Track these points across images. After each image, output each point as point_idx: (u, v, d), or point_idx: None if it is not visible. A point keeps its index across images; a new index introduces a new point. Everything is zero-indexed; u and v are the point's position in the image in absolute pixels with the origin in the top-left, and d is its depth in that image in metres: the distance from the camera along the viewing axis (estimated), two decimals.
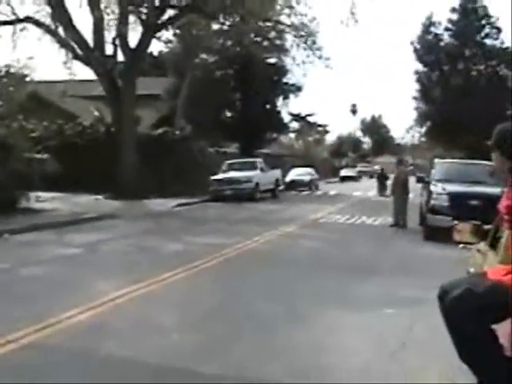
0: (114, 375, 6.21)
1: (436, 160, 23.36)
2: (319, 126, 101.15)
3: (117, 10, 33.77)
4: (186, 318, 8.59)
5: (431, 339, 7.36)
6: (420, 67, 55.14)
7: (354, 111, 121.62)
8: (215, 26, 43.63)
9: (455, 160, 26.62)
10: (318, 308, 9.07)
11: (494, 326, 4.29)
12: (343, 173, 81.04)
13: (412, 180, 22.72)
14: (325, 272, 12.23)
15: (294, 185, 48.09)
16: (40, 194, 23.37)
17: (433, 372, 6.39)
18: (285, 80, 54.00)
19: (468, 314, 4.21)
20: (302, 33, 41.47)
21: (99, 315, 8.51)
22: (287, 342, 7.53)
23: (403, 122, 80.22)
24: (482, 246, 5.88)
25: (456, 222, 6.25)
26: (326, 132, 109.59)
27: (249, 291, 10.36)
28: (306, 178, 50.14)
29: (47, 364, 6.48)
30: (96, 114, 38.21)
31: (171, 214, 25.91)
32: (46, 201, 24.11)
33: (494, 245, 5.42)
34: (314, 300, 9.65)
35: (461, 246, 6.15)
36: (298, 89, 55.29)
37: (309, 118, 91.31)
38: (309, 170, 53.25)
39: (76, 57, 33.61)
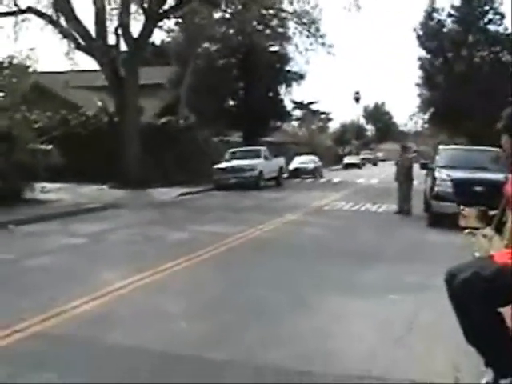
0: (119, 364, 6.24)
1: (440, 146, 23.32)
2: (322, 113, 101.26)
3: (119, 0, 33.72)
4: (191, 307, 8.60)
5: (436, 324, 7.38)
6: (423, 54, 54.89)
7: (357, 98, 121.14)
8: (217, 15, 43.60)
9: (459, 146, 26.59)
10: (323, 295, 9.08)
11: (501, 309, 4.30)
12: (346, 160, 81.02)
13: (416, 167, 22.70)
14: (330, 259, 12.24)
15: (297, 172, 48.07)
16: (44, 184, 23.38)
17: (439, 357, 6.39)
18: (287, 68, 53.85)
19: (475, 297, 4.21)
20: (305, 20, 41.45)
21: (104, 305, 8.52)
22: (293, 328, 7.54)
23: (406, 108, 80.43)
24: (488, 230, 5.87)
25: (461, 207, 6.23)
26: (329, 120, 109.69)
27: (253, 279, 10.37)
28: (310, 166, 50.13)
29: (53, 353, 6.52)
30: (99, 104, 38.19)
31: (175, 203, 25.92)
32: (50, 191, 24.12)
33: (499, 229, 5.41)
34: (318, 287, 9.65)
35: (466, 231, 6.14)
36: (301, 77, 55.15)
37: (312, 106, 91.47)
38: (312, 157, 53.23)
39: (78, 47, 33.61)
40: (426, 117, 61.81)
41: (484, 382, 4.99)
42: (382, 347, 6.75)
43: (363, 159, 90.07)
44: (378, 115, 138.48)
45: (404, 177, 21.28)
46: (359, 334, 7.30)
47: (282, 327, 7.57)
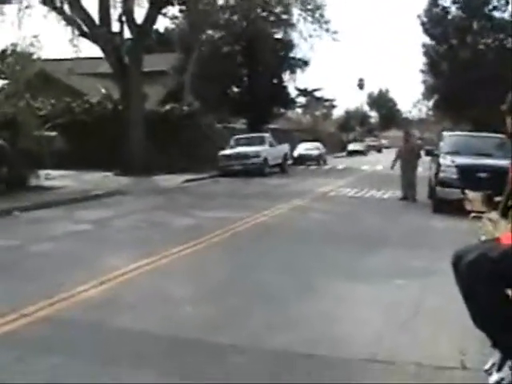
0: (126, 348, 6.26)
1: (444, 133, 23.30)
2: (326, 100, 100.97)
3: None
4: (198, 291, 8.63)
5: (442, 309, 7.41)
6: (427, 40, 54.66)
7: (361, 85, 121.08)
8: (221, 1, 43.53)
9: (463, 133, 26.55)
10: (329, 279, 9.10)
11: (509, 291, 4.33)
12: (351, 147, 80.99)
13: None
14: (335, 244, 12.26)
15: (301, 159, 48.08)
16: (49, 171, 23.43)
17: (444, 341, 6.42)
18: (291, 55, 53.74)
19: (483, 278, 4.23)
20: (309, 6, 41.37)
21: (111, 289, 8.56)
22: (299, 312, 7.57)
23: (410, 95, 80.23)
24: (494, 214, 5.88)
25: (466, 191, 6.24)
26: (334, 106, 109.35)
27: (260, 264, 10.40)
28: (314, 153, 50.12)
29: (61, 337, 6.54)
30: (103, 91, 38.21)
31: (180, 189, 25.93)
32: (55, 178, 24.18)
33: (505, 213, 5.42)
34: (324, 271, 9.68)
35: (472, 215, 6.15)
36: (305, 63, 55.05)
37: (316, 93, 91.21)
38: (317, 144, 53.21)
39: (82, 34, 33.59)
40: (431, 104, 61.75)
41: (490, 364, 5.02)
42: (387, 331, 6.77)
43: (367, 146, 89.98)
44: (382, 102, 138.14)
45: (409, 164, 21.24)
46: (365, 318, 7.32)
47: (288, 311, 7.60)
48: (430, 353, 5.99)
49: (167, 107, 37.31)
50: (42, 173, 22.93)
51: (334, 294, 8.38)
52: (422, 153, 22.86)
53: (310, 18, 44.32)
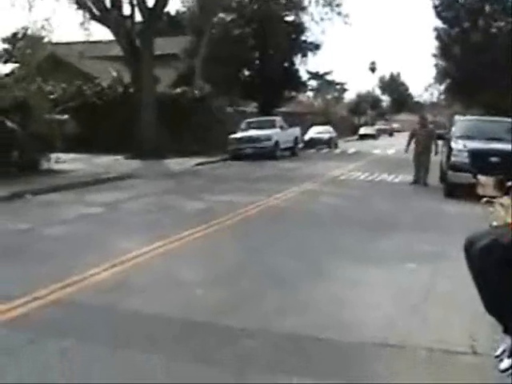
0: (138, 331, 6.29)
1: (456, 117, 23.18)
2: (337, 84, 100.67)
3: None
4: (209, 274, 8.65)
5: (453, 293, 7.40)
6: (439, 24, 54.37)
7: (372, 69, 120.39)
8: None
9: (475, 117, 26.43)
10: (340, 263, 9.11)
11: None
12: (362, 131, 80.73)
13: None
14: (347, 228, 12.26)
15: (312, 143, 47.93)
16: (60, 155, 23.47)
17: (455, 325, 6.42)
18: (303, 38, 53.53)
19: (494, 264, 4.22)
20: None
21: (123, 272, 8.58)
22: (310, 296, 7.58)
23: (422, 79, 79.75)
24: (505, 199, 5.87)
25: (478, 176, 6.22)
26: (345, 90, 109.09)
27: (270, 247, 10.41)
28: (325, 136, 49.98)
29: (72, 320, 6.57)
30: (114, 74, 38.18)
31: (191, 172, 25.94)
32: (66, 162, 24.21)
33: None
34: (335, 255, 9.68)
35: (484, 200, 6.14)
36: (317, 47, 54.86)
37: (327, 77, 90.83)
38: (327, 128, 53.06)
39: (93, 17, 33.55)
40: (442, 87, 61.43)
41: (501, 350, 5.02)
42: (398, 315, 6.77)
43: (379, 130, 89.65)
44: (393, 86, 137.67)
45: (425, 149, 21.13)
46: (376, 302, 7.32)
47: (298, 295, 7.61)
48: (441, 337, 5.99)
49: (178, 90, 37.28)
50: (53, 156, 22.98)
51: (344, 278, 8.38)
52: None
53: (321, 1, 44.24)
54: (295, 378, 5.17)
